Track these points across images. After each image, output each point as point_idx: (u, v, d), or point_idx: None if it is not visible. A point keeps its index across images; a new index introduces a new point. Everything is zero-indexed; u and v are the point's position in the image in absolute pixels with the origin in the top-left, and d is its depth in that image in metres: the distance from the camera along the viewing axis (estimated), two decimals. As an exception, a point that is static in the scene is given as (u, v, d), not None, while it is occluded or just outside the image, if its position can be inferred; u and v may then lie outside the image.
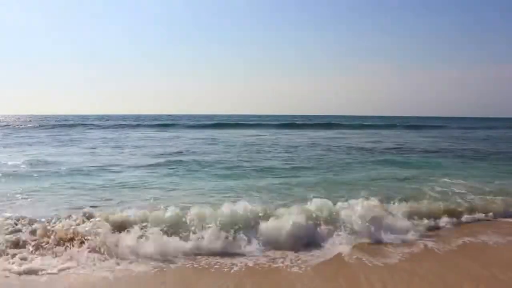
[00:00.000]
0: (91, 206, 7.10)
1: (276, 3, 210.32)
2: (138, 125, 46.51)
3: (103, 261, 5.00)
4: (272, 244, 5.59)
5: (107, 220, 5.99)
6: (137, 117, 78.63)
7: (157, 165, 12.89)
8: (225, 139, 26.00)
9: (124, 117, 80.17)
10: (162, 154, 16.14)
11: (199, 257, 5.21)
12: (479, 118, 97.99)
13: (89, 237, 5.49)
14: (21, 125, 45.53)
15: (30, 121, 60.42)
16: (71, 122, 52.89)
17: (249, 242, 5.58)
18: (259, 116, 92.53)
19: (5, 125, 46.32)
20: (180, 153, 16.95)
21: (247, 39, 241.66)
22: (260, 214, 6.27)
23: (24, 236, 5.58)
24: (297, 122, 53.54)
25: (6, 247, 5.26)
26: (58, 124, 47.27)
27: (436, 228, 6.63)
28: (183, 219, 6.06)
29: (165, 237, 5.53)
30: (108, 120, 63.06)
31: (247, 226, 5.96)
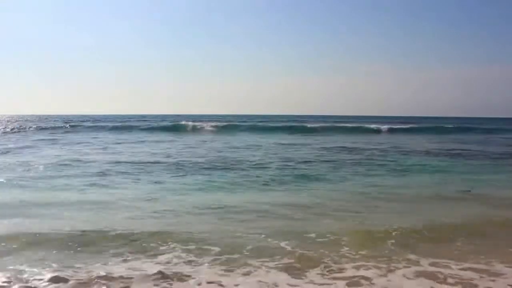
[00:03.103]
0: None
1: (273, 2, 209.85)
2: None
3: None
4: None
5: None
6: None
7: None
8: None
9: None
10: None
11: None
12: (481, 118, 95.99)
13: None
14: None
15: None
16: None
17: None
18: (263, 117, 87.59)
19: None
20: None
21: (247, 38, 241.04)
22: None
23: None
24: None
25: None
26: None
27: None
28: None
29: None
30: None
31: None
